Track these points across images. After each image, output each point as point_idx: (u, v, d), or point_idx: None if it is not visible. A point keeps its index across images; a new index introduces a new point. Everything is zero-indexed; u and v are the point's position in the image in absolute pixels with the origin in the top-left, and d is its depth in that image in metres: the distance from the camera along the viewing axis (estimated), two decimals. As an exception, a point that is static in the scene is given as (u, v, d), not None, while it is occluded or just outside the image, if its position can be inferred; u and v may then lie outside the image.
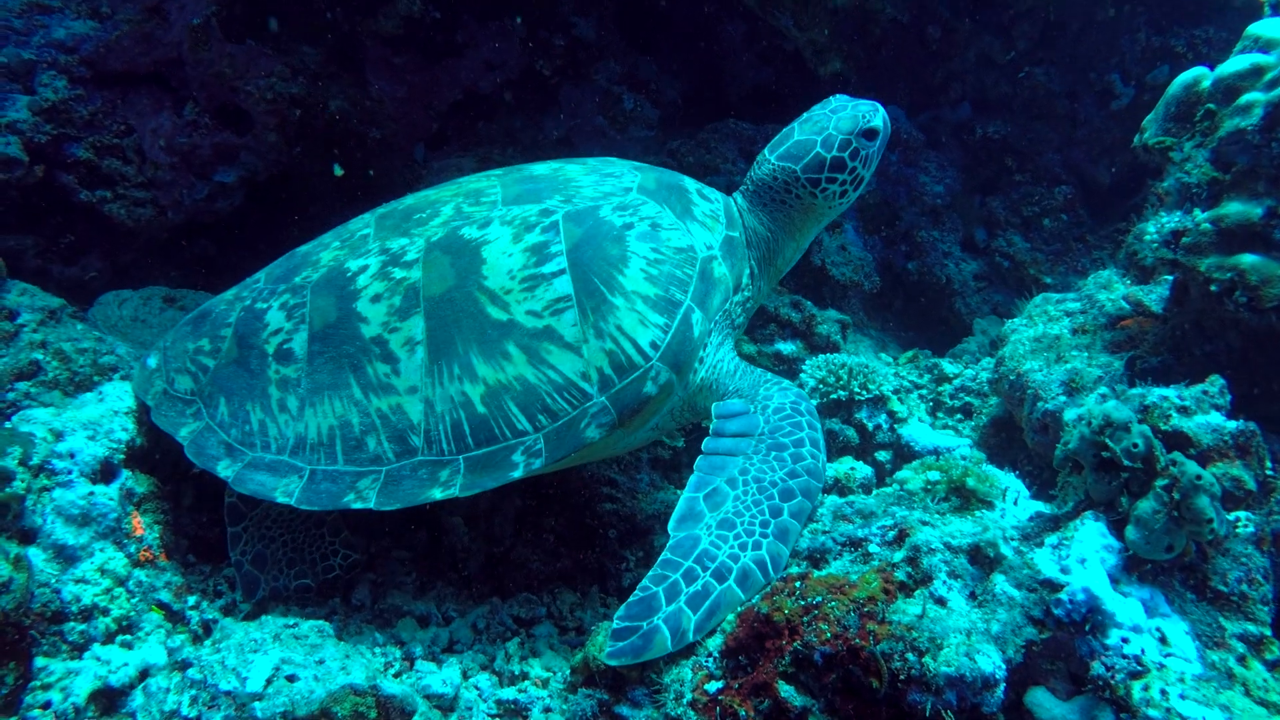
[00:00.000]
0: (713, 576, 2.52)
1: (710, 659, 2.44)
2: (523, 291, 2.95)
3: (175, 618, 2.99)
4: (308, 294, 3.13)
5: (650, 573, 2.55)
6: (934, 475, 2.85)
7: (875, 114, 3.33)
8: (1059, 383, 3.38)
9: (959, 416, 4.09)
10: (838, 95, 3.47)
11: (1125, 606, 2.31)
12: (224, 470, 2.98)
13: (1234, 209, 3.06)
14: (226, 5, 4.57)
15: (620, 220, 3.08)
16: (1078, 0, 4.73)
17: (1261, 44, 3.19)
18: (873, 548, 2.57)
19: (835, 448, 3.63)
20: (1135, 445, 2.33)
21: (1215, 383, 2.60)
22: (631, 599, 2.49)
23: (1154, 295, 3.63)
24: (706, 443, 2.93)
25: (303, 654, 2.42)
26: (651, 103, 5.32)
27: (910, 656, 2.13)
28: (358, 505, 2.85)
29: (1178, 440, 2.43)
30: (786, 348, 4.22)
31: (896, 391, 3.91)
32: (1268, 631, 2.46)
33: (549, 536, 3.48)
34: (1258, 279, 2.97)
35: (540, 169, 3.39)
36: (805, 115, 3.45)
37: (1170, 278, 3.45)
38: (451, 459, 2.89)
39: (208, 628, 3.00)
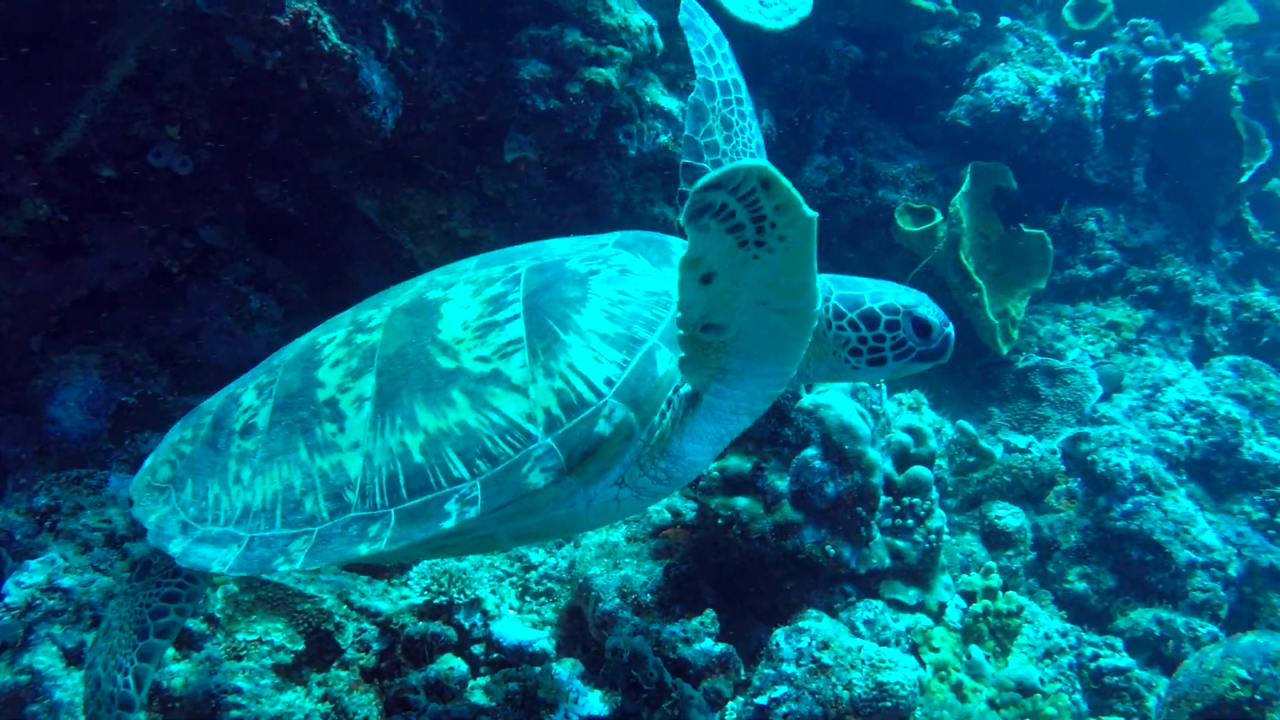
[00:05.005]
0: None
1: None
2: (474, 340, 2.84)
3: None
4: (279, 372, 3.14)
5: None
6: (513, 686, 3.61)
7: (939, 318, 3.01)
8: (614, 588, 4.29)
9: (543, 600, 4.91)
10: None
11: (643, 794, 3.18)
12: (173, 548, 2.98)
13: (733, 462, 4.17)
14: None
15: (586, 268, 2.95)
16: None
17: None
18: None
19: (438, 646, 4.29)
20: (651, 674, 3.24)
21: (709, 615, 3.61)
22: None
23: (689, 505, 4.70)
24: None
25: None
26: (278, 301, 5.79)
27: None
28: (284, 568, 2.80)
29: (680, 665, 3.37)
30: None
31: (495, 585, 4.66)
32: (745, 794, 3.44)
33: (176, 748, 3.80)
34: (747, 517, 4.06)
35: (525, 245, 3.35)
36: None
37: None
38: (383, 513, 2.76)
39: None
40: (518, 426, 2.70)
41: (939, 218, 6.72)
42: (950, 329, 3.05)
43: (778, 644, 3.65)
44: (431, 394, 2.79)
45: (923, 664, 4.21)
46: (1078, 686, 5.11)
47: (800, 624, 3.70)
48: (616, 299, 2.86)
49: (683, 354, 2.57)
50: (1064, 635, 5.28)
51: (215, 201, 5.56)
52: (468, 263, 3.24)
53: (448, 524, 2.67)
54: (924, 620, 4.33)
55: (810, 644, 3.60)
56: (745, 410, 2.83)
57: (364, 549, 2.72)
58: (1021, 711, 4.15)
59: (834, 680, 3.50)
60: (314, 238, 6.02)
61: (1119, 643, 5.51)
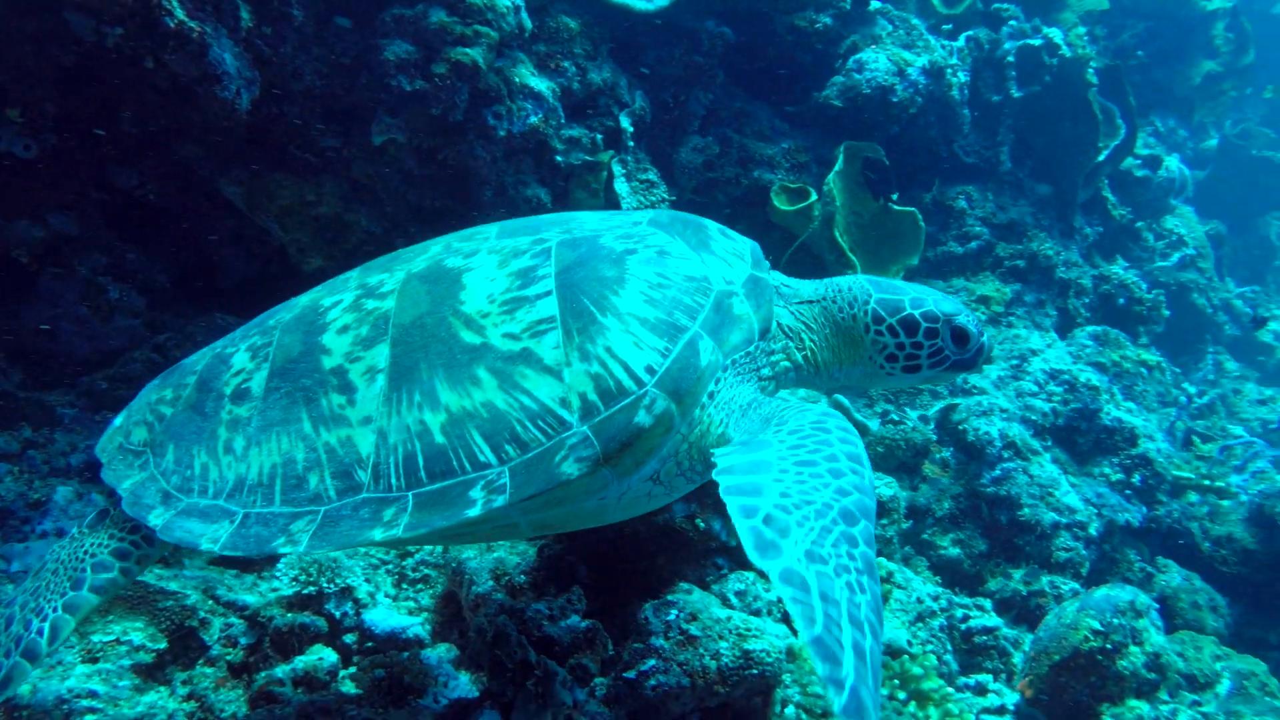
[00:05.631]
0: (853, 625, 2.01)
1: None
2: (502, 314, 2.66)
3: None
4: (276, 333, 2.90)
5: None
6: (380, 673, 3.56)
7: (977, 327, 3.00)
8: (488, 570, 4.26)
9: (420, 586, 4.85)
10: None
11: (510, 773, 3.17)
12: (154, 519, 2.74)
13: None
14: None
15: (621, 246, 2.79)
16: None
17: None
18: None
19: (308, 637, 4.20)
20: (515, 653, 3.23)
21: (576, 592, 3.61)
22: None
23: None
24: (720, 478, 2.38)
25: None
26: (138, 291, 5.58)
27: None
28: (286, 549, 2.58)
29: (545, 642, 3.37)
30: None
31: (370, 573, 4.58)
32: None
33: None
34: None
35: (548, 216, 3.17)
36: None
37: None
38: (399, 496, 2.55)
39: None
40: (551, 411, 2.54)
41: (814, 197, 6.84)
42: (986, 338, 3.01)
43: (646, 618, 3.67)
44: (454, 370, 2.60)
45: (794, 631, 4.29)
46: (949, 647, 5.28)
47: (669, 597, 3.74)
48: (656, 282, 2.71)
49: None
50: (936, 599, 5.44)
51: (68, 188, 5.32)
52: (486, 230, 3.05)
53: (472, 512, 2.49)
54: (795, 589, 4.41)
55: (678, 616, 3.63)
56: None
57: (378, 533, 2.52)
58: (890, 673, 4.27)
59: (702, 651, 3.54)
60: (177, 225, 5.81)
61: (988, 604, 5.72)
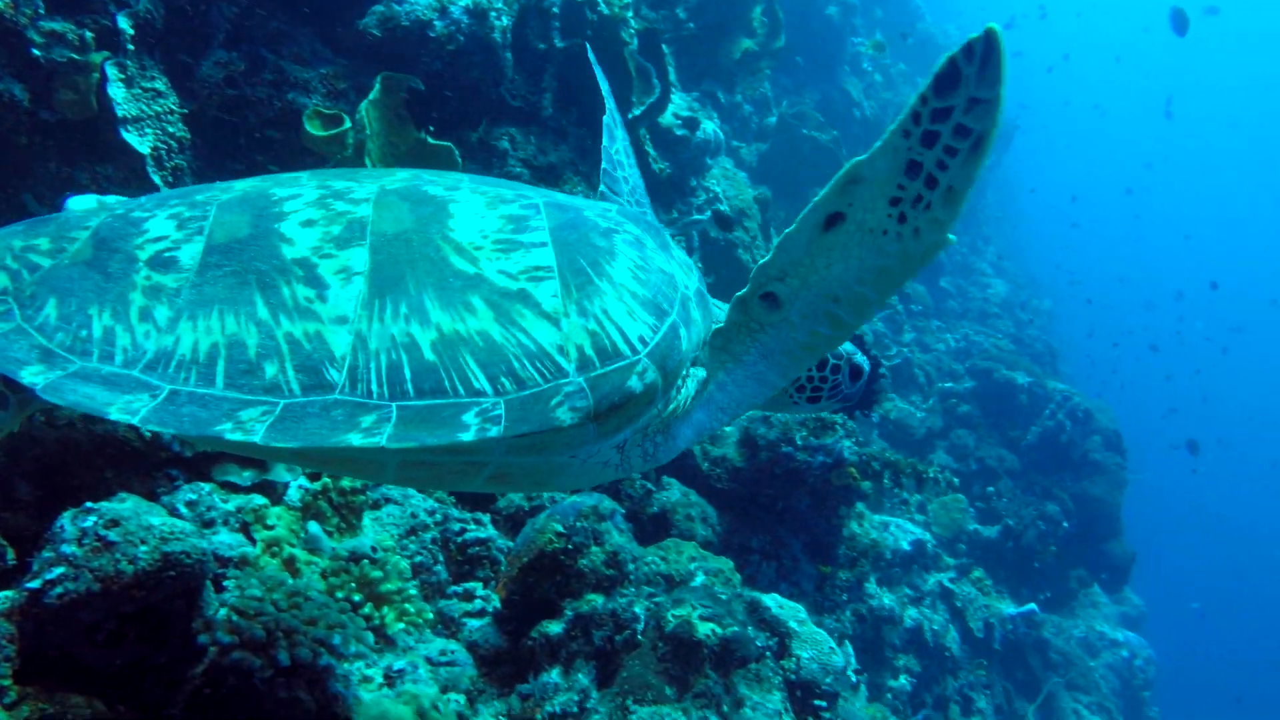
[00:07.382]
0: None
1: None
2: (496, 251, 2.63)
3: None
4: (212, 209, 2.63)
5: None
6: None
7: (868, 366, 3.37)
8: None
9: None
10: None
11: None
12: (30, 377, 2.34)
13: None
14: None
15: (605, 223, 2.86)
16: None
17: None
18: None
19: None
20: None
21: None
22: None
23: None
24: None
25: None
26: None
27: None
28: (235, 436, 2.31)
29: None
30: None
31: None
32: None
33: None
34: (51, 404, 3.89)
35: (512, 182, 3.19)
36: None
37: None
38: (381, 405, 2.41)
39: None
40: (549, 355, 2.55)
41: (347, 124, 6.81)
42: (866, 371, 3.39)
43: (62, 526, 3.55)
44: (447, 293, 2.54)
45: (253, 541, 4.35)
46: (440, 558, 5.58)
47: (90, 505, 3.64)
48: (640, 264, 2.82)
49: (721, 324, 2.81)
50: (432, 514, 5.71)
51: None
52: (457, 174, 3.01)
53: (465, 437, 2.42)
54: (258, 500, 4.46)
55: (97, 523, 3.55)
56: (730, 412, 3.00)
57: (355, 439, 2.36)
58: (348, 578, 4.45)
59: (118, 556, 3.49)
60: None
61: (487, 519, 6.09)
